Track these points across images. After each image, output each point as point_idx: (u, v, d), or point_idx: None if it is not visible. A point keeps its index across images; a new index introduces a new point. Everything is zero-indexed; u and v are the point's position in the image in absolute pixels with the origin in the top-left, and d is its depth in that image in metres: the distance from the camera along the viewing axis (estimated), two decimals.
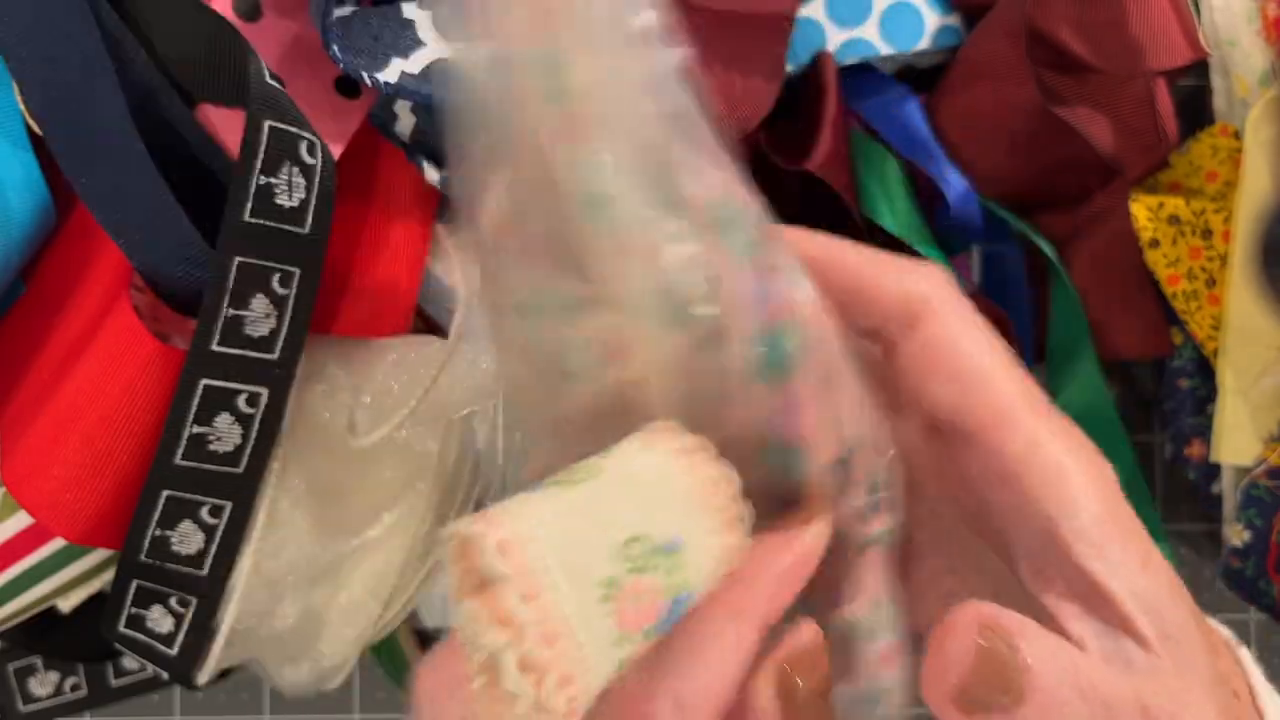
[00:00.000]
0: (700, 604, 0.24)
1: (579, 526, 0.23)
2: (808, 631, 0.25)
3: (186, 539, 0.36)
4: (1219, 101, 0.43)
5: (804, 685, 0.24)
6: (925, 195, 0.43)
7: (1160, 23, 0.41)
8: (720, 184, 0.24)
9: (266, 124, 0.33)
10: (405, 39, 0.35)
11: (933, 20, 0.42)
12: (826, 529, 0.25)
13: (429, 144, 0.38)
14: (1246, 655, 0.26)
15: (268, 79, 0.34)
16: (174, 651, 0.39)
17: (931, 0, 0.42)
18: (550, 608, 0.22)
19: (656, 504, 0.24)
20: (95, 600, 0.41)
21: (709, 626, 0.24)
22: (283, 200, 0.34)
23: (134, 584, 0.37)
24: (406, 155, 0.38)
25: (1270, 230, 0.40)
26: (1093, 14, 0.41)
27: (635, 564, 0.23)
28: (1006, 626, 0.23)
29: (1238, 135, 0.42)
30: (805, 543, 0.25)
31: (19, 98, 0.35)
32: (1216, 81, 0.42)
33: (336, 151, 0.37)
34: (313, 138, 0.35)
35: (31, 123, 0.35)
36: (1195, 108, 0.43)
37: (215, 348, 0.34)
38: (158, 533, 0.36)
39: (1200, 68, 0.43)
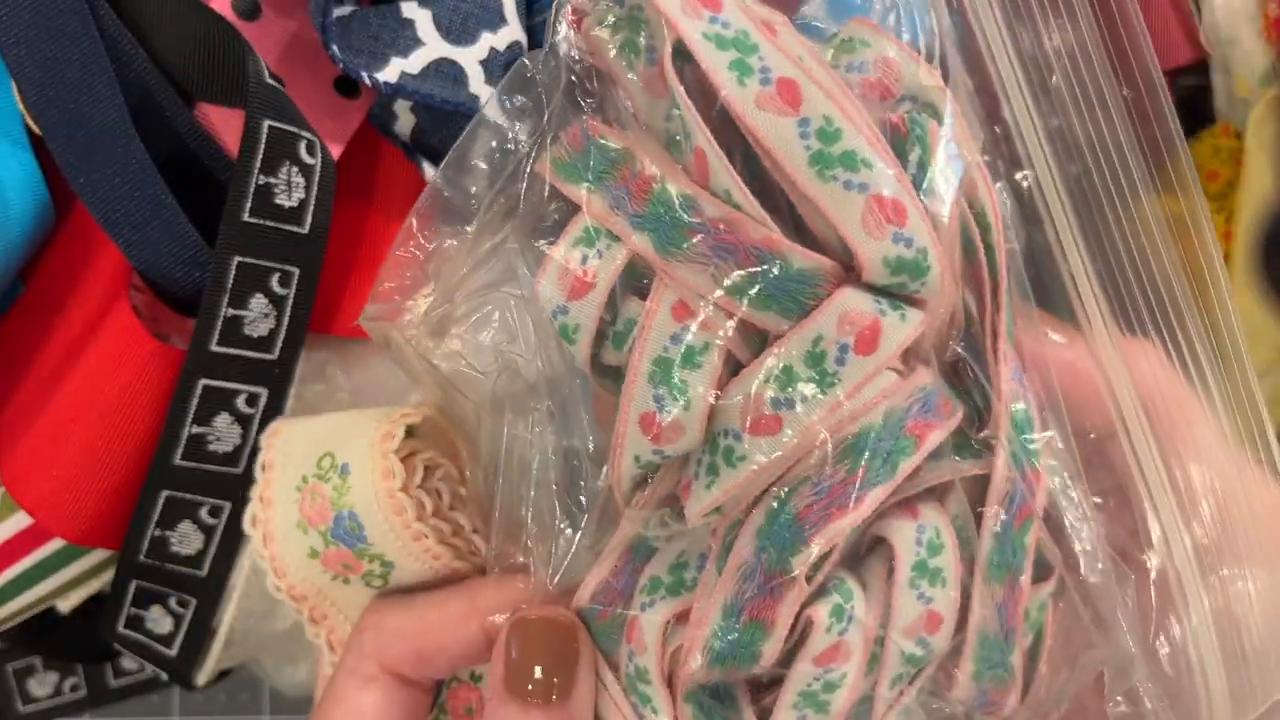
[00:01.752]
0: (454, 588, 0.29)
1: (308, 435, 0.31)
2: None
3: (186, 539, 0.36)
4: (1220, 101, 0.42)
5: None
6: None
7: (1161, 22, 0.41)
8: None
9: (265, 124, 0.33)
10: (405, 38, 0.35)
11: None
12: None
13: (429, 144, 0.38)
14: None
15: (267, 78, 0.34)
16: (173, 652, 0.39)
17: None
18: (270, 482, 0.31)
19: (350, 435, 0.30)
20: (94, 600, 0.41)
21: (446, 600, 0.29)
22: (282, 200, 0.34)
23: (133, 584, 0.37)
24: (406, 155, 0.38)
25: (1271, 230, 0.40)
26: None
27: (320, 472, 0.30)
28: None
29: (1239, 135, 0.42)
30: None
31: (18, 97, 0.34)
32: (1217, 81, 0.42)
33: (336, 151, 0.36)
34: (312, 137, 0.35)
35: (31, 123, 0.35)
36: (1196, 107, 0.43)
37: (214, 348, 0.34)
38: (157, 533, 0.36)
39: (1201, 67, 0.43)
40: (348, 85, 0.37)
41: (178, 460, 0.35)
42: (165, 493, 0.35)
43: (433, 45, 0.35)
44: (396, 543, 0.29)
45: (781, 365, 0.24)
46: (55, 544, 0.38)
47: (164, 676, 0.41)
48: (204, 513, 0.36)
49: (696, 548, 0.27)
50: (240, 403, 0.35)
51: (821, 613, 0.25)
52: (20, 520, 0.37)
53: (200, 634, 0.38)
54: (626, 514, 0.27)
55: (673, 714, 0.26)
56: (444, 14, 0.35)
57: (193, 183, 0.35)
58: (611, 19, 0.26)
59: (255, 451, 0.35)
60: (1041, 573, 0.27)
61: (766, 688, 0.27)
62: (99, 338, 0.35)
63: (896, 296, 0.24)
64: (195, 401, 0.34)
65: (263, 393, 0.35)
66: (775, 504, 0.24)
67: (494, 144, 0.28)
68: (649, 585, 0.27)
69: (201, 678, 0.39)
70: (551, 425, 0.28)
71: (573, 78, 0.27)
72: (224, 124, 0.36)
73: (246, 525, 0.31)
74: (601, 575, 0.28)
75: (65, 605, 0.41)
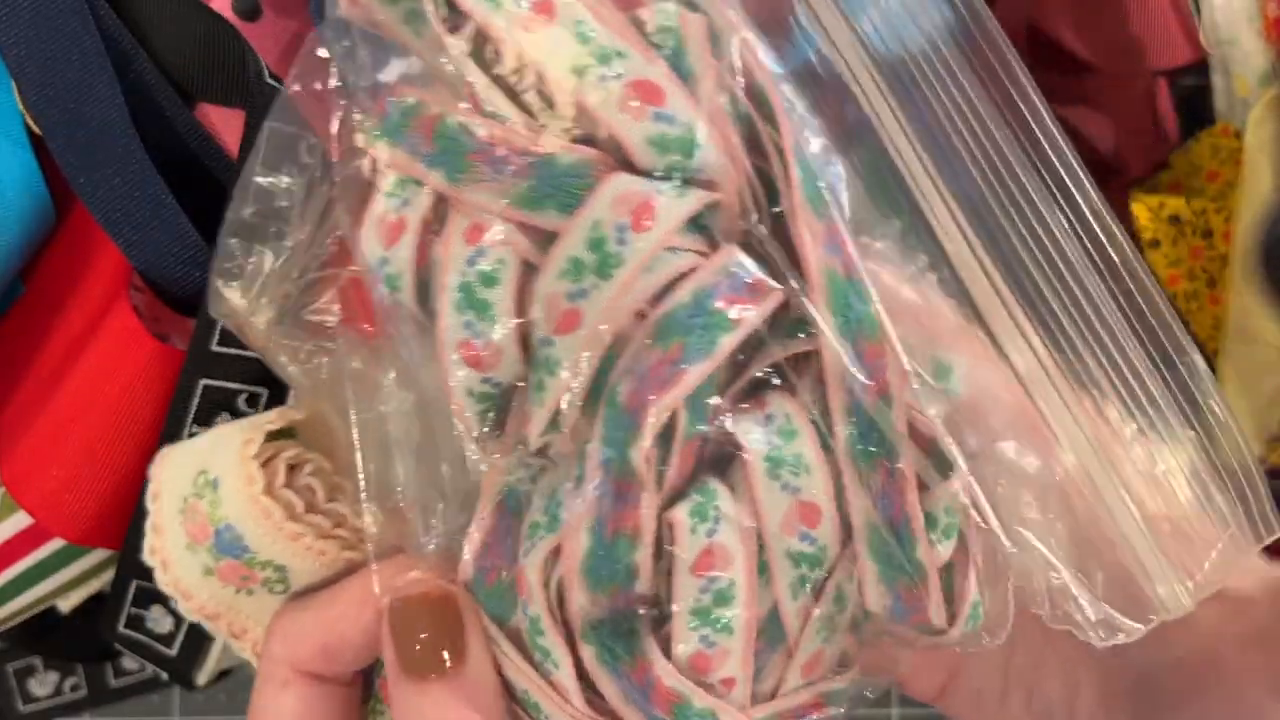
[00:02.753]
0: (347, 580, 0.29)
1: (188, 456, 0.31)
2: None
3: None
4: (1219, 101, 0.42)
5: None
6: None
7: (1160, 22, 0.41)
8: None
9: (266, 124, 0.33)
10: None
11: None
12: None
13: None
14: None
15: (267, 79, 0.34)
16: (174, 652, 0.39)
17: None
18: (160, 510, 0.31)
19: (219, 449, 0.31)
20: (95, 600, 0.41)
21: (340, 593, 0.28)
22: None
23: (133, 584, 0.37)
24: None
25: (1271, 230, 0.40)
26: (1093, 14, 0.41)
27: (196, 490, 0.30)
28: None
29: (1238, 135, 0.42)
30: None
31: (18, 97, 0.34)
32: (1217, 81, 0.42)
33: None
34: (312, 138, 0.35)
35: (31, 122, 0.35)
36: (1196, 107, 0.43)
37: (215, 348, 0.34)
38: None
39: (1201, 67, 0.43)
40: None
41: None
42: None
43: None
44: (275, 545, 0.30)
45: (567, 256, 0.24)
46: (55, 544, 0.38)
47: (164, 676, 0.41)
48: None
49: (561, 477, 0.26)
50: (241, 402, 0.35)
51: (681, 514, 0.25)
52: (20, 520, 0.37)
53: (201, 634, 0.38)
54: (486, 467, 0.27)
55: (571, 662, 0.26)
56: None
57: (193, 183, 0.35)
58: None
59: None
60: (941, 471, 0.26)
61: (669, 620, 0.26)
62: (99, 338, 0.35)
63: (675, 180, 0.24)
64: (196, 401, 0.34)
65: (263, 392, 0.35)
66: (606, 407, 0.24)
67: (294, 139, 0.29)
68: (529, 532, 0.26)
69: (202, 677, 0.39)
70: (401, 394, 0.28)
71: (362, 49, 0.27)
72: (224, 124, 0.36)
73: (145, 556, 0.31)
74: (479, 538, 0.27)
75: (66, 605, 0.41)
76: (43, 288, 0.38)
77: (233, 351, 0.34)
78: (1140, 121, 0.42)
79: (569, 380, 0.25)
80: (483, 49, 0.25)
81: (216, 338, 0.34)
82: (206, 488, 0.30)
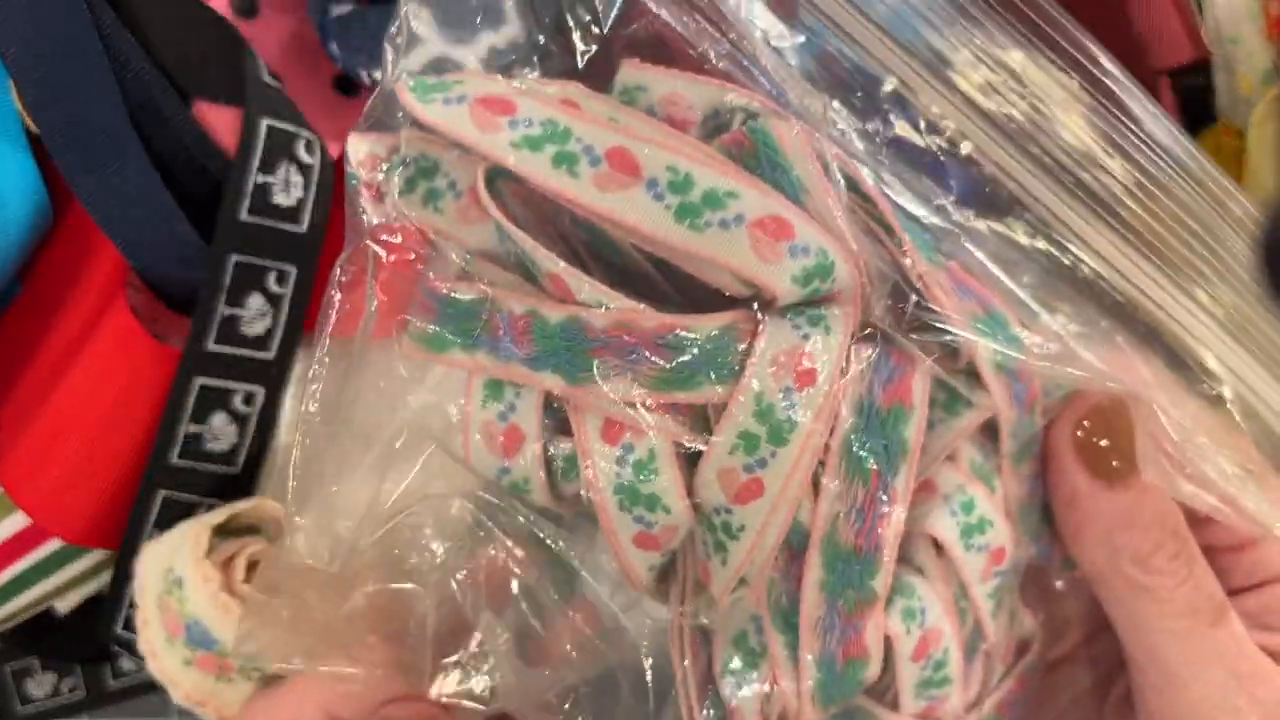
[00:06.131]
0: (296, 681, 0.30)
1: (162, 550, 0.34)
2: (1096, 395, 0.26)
3: None
4: (1222, 100, 0.42)
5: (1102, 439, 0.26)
6: None
7: (1163, 21, 0.41)
8: None
9: (264, 122, 0.33)
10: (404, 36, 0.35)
11: None
12: None
13: None
14: None
15: (265, 77, 0.34)
16: None
17: None
18: (144, 606, 0.34)
19: (180, 545, 0.33)
20: (93, 601, 0.41)
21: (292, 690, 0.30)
22: (279, 199, 0.34)
23: (130, 585, 0.37)
24: None
25: (1272, 229, 0.40)
26: (1095, 13, 0.41)
27: (166, 588, 0.33)
28: None
29: (1241, 134, 0.41)
30: None
31: (16, 97, 0.34)
32: (1220, 80, 0.42)
33: (334, 150, 0.36)
34: (310, 136, 0.35)
35: (29, 122, 0.35)
36: (1198, 106, 0.43)
37: (211, 347, 0.34)
38: (154, 534, 0.36)
39: (1203, 66, 0.42)
40: (346, 84, 0.38)
41: (174, 459, 0.35)
42: (162, 493, 0.35)
43: (432, 44, 0.35)
44: None
45: (738, 433, 0.23)
46: (53, 544, 0.38)
47: None
48: (201, 514, 0.36)
49: (745, 612, 0.26)
50: (237, 402, 0.35)
51: (895, 626, 0.25)
52: (18, 520, 0.37)
53: None
54: (673, 613, 0.27)
55: None
56: (444, 12, 0.35)
57: (191, 182, 0.35)
58: (401, 179, 0.25)
59: (253, 451, 0.35)
60: None
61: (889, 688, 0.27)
62: (97, 338, 0.35)
63: (812, 304, 0.24)
64: (192, 400, 0.34)
65: (259, 391, 0.35)
66: (827, 553, 0.24)
67: (292, 138, 0.29)
68: (724, 671, 0.26)
69: None
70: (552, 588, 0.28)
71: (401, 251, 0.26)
72: (222, 123, 0.36)
73: (140, 648, 0.34)
74: (694, 682, 0.27)
75: (63, 606, 0.41)
76: (40, 287, 0.38)
77: (229, 350, 0.34)
78: None
79: (756, 543, 0.24)
80: (545, 215, 0.24)
81: (213, 336, 0.34)
82: (174, 585, 0.33)
